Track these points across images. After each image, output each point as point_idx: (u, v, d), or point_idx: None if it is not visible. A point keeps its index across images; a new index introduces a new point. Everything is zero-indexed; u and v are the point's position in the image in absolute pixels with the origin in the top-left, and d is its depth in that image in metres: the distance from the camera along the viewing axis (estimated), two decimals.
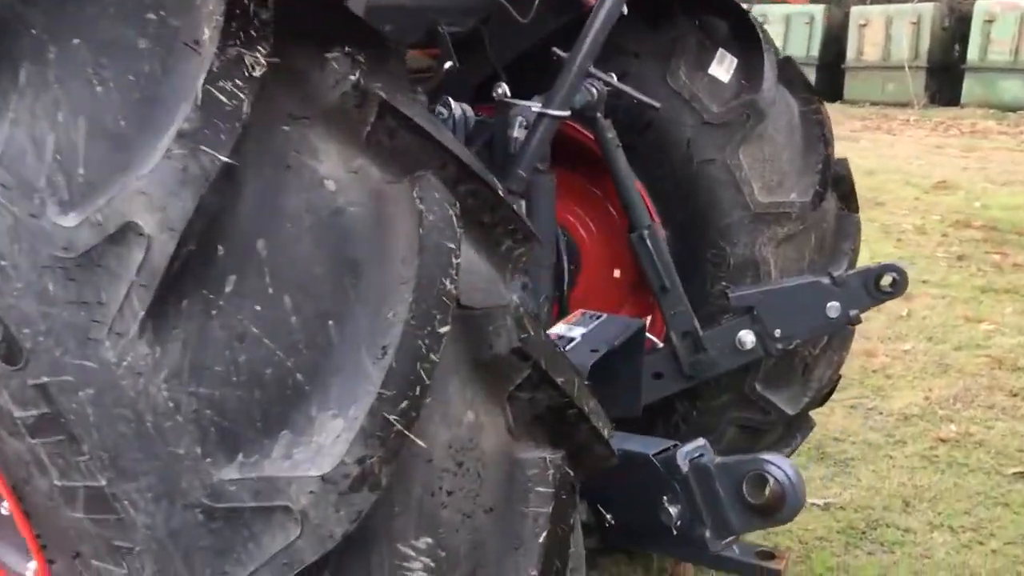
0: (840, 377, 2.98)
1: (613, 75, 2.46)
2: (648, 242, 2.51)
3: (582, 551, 1.28)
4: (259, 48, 1.01)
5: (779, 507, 1.58)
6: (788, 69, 2.86)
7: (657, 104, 2.43)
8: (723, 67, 2.72)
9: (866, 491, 3.72)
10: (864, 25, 16.14)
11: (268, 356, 0.95)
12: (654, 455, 1.74)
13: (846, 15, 16.59)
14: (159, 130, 0.95)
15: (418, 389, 0.95)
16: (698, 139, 2.68)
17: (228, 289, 0.94)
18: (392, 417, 0.93)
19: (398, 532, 0.99)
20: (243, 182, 0.97)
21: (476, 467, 1.07)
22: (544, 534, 1.06)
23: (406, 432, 0.94)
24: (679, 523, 1.71)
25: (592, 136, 2.59)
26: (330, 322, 0.98)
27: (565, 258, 2.85)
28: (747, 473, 1.63)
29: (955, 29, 15.91)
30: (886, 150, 11.82)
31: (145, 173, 0.90)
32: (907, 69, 15.34)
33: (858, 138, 12.38)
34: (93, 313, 0.93)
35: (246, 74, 0.99)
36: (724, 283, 2.66)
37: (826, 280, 2.50)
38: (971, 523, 3.48)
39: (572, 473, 1.13)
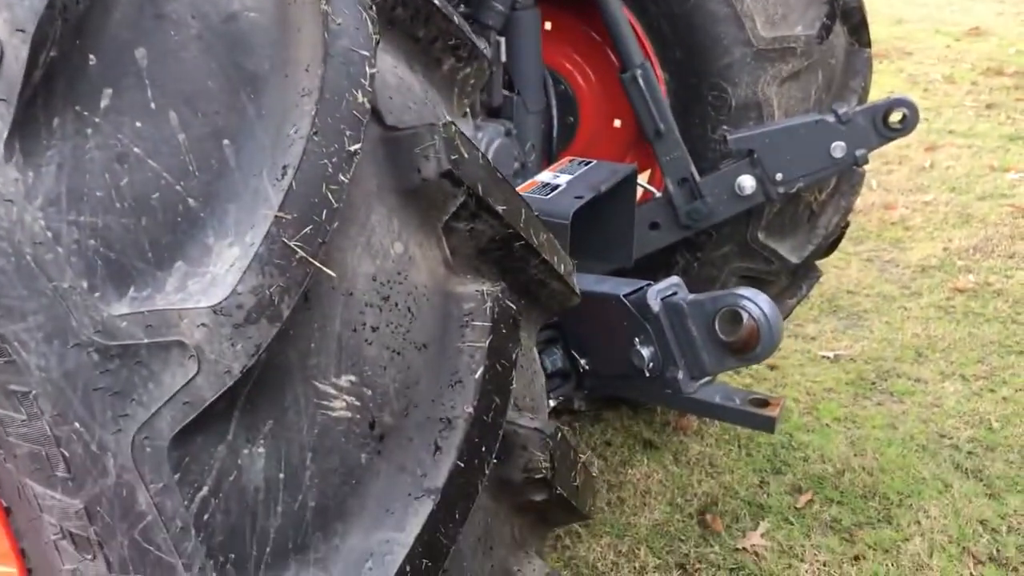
0: (848, 224, 2.86)
1: None
2: (640, 82, 2.36)
3: (539, 390, 1.20)
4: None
5: (753, 344, 1.49)
6: None
7: None
8: None
9: (878, 343, 3.64)
10: None
11: (154, 179, 0.85)
12: (625, 295, 1.65)
13: None
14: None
15: (324, 213, 0.85)
16: None
17: (104, 104, 0.84)
18: (294, 243, 0.84)
19: (315, 369, 0.91)
20: None
21: (406, 301, 0.98)
22: (480, 370, 0.98)
23: (311, 260, 0.84)
24: (651, 365, 1.63)
25: None
26: (225, 141, 0.87)
27: (555, 105, 2.70)
28: (720, 309, 1.54)
29: None
30: None
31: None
32: None
33: None
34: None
35: None
36: (725, 127, 2.52)
37: (831, 118, 2.35)
38: (984, 371, 3.41)
39: (514, 307, 1.04)
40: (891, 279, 4.19)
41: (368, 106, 0.90)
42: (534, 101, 2.36)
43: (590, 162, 2.24)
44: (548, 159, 2.64)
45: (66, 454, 0.86)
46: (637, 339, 1.64)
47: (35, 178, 0.83)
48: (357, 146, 0.88)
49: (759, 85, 2.50)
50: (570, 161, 2.24)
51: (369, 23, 0.93)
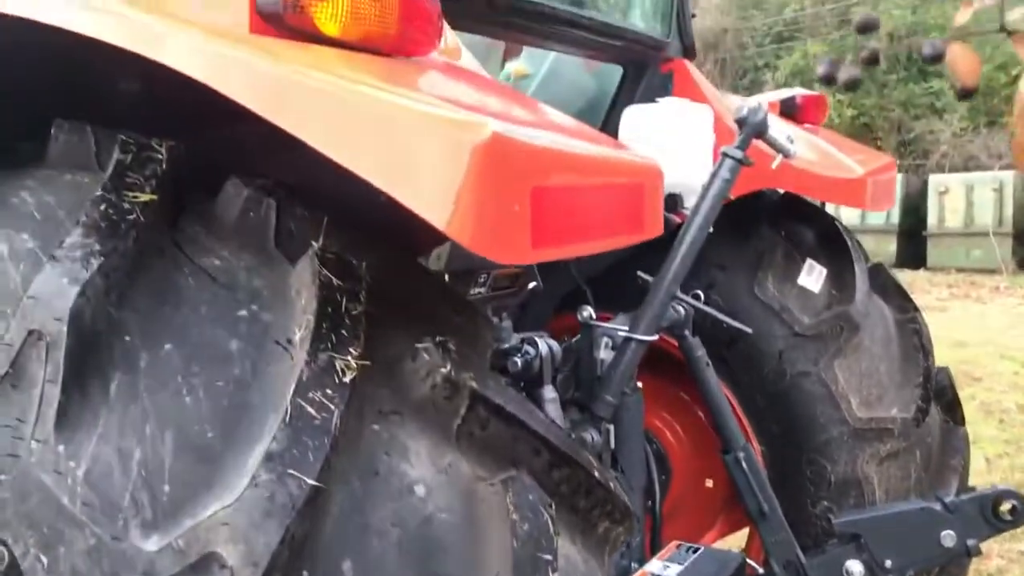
0: None
1: (700, 293, 2.41)
2: (744, 464, 2.39)
3: None
4: (350, 349, 0.99)
5: None
6: (880, 276, 2.79)
7: (748, 329, 2.37)
8: (812, 277, 2.66)
9: None
10: (944, 192, 16.09)
11: None
12: None
13: (924, 183, 16.60)
14: (247, 444, 0.92)
15: None
16: (790, 352, 2.59)
17: None
18: None
19: None
20: (330, 500, 0.92)
21: None
22: None
23: None
24: None
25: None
26: None
27: (655, 469, 2.73)
28: None
29: None
30: (977, 320, 11.45)
31: (231, 503, 0.86)
32: (992, 235, 15.11)
33: (946, 307, 12.08)
34: None
35: (336, 381, 0.96)
36: (825, 502, 2.51)
37: (937, 506, 2.33)
38: None
39: None
40: None
41: None
42: (638, 479, 2.39)
43: (698, 548, 2.22)
44: (652, 521, 2.62)
45: None
46: None
47: None
48: None
49: (858, 464, 2.52)
50: (677, 547, 2.23)
51: (551, 525, 0.98)
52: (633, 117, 2.41)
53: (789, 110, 2.80)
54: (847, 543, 2.39)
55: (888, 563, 2.33)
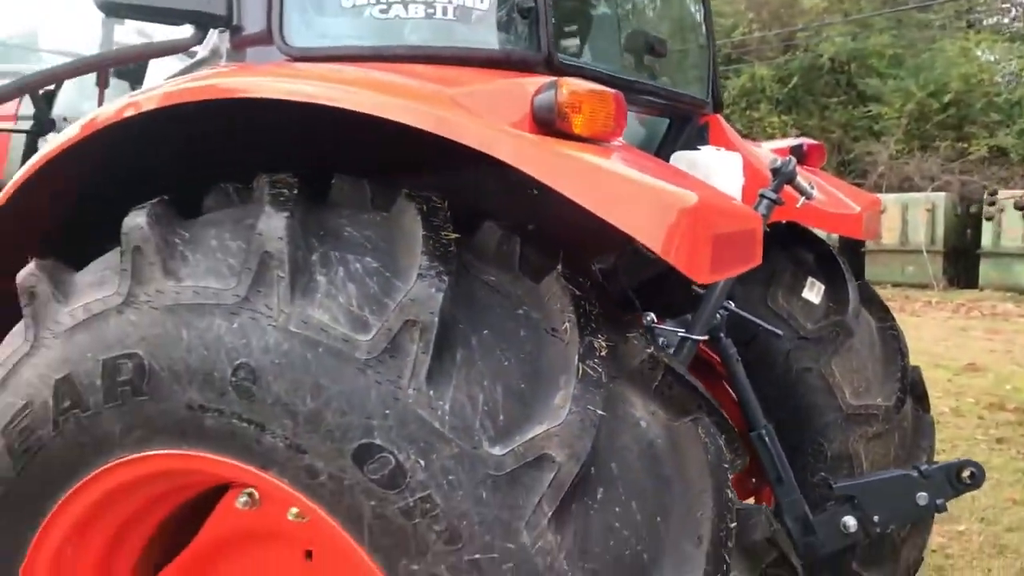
0: (923, 558, 3.39)
1: (731, 302, 3.02)
2: (766, 439, 3.00)
3: None
4: (599, 334, 1.56)
5: None
6: (865, 291, 3.43)
7: (779, 332, 2.99)
8: (813, 292, 3.29)
9: None
10: (881, 211, 17.07)
11: (625, 541, 1.44)
12: None
13: None
14: (547, 392, 1.49)
15: (724, 567, 1.44)
16: (796, 351, 3.21)
17: (599, 497, 1.45)
18: None
19: None
20: (601, 426, 1.49)
21: None
22: None
23: None
24: None
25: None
26: (658, 518, 1.48)
27: None
28: None
29: (966, 217, 16.83)
30: (912, 331, 12.20)
31: (558, 423, 1.43)
32: (924, 253, 16.14)
33: None
34: (514, 513, 1.43)
35: (597, 354, 1.53)
36: (823, 473, 3.13)
37: (914, 473, 2.97)
38: None
39: None
40: None
41: (734, 499, 1.52)
42: None
43: None
44: None
45: None
46: None
47: (562, 540, 1.42)
48: (734, 524, 1.48)
49: (849, 442, 3.14)
50: None
51: (724, 449, 1.57)
52: (680, 160, 3.01)
53: (797, 155, 3.43)
54: (843, 503, 3.01)
55: (876, 518, 2.96)
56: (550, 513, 1.41)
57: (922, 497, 2.94)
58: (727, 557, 1.44)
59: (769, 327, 2.93)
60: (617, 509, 1.45)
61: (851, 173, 21.12)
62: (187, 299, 1.64)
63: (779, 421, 3.24)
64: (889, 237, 16.96)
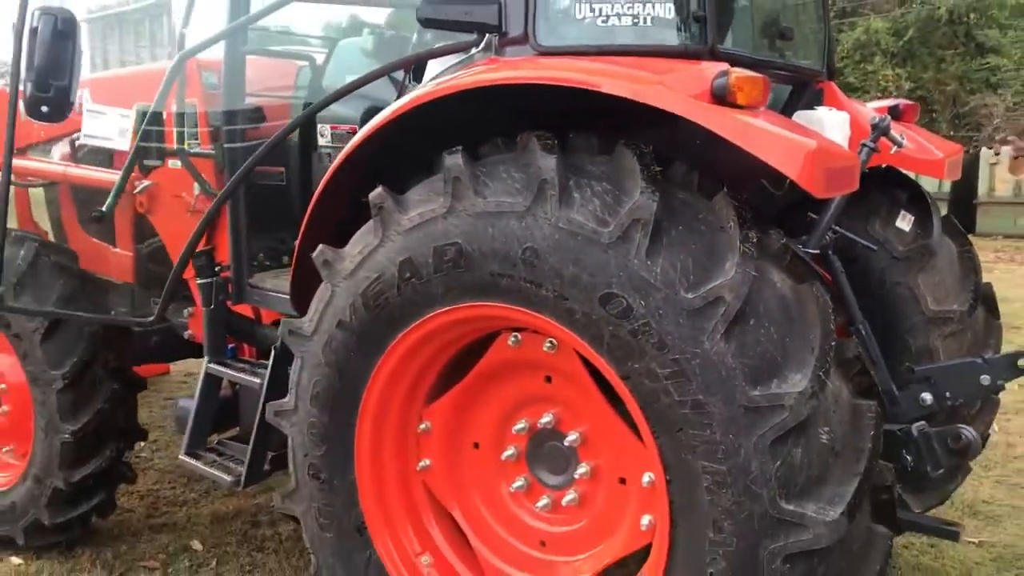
0: (991, 434, 4.24)
1: (839, 228, 3.91)
2: (863, 332, 3.90)
3: None
4: (751, 231, 2.53)
5: None
6: (948, 223, 4.27)
7: (874, 247, 3.87)
8: (904, 222, 4.14)
9: (1011, 536, 4.88)
10: (995, 164, 17.20)
11: (766, 349, 2.41)
12: None
13: (976, 154, 17.72)
14: (720, 262, 2.47)
15: (827, 368, 2.40)
16: (889, 268, 4.08)
17: (751, 324, 2.42)
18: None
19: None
20: (752, 283, 2.45)
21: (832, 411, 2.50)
22: None
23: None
24: None
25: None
26: (787, 338, 2.44)
27: None
28: None
29: None
30: (1020, 279, 12.80)
31: (727, 279, 2.40)
32: None
33: (992, 268, 13.37)
34: (699, 331, 2.42)
35: (751, 242, 2.50)
36: (908, 363, 4.01)
37: (980, 360, 3.82)
38: None
39: None
40: (1018, 496, 5.43)
41: (835, 339, 2.48)
42: None
43: None
44: None
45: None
46: None
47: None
48: (832, 365, 2.44)
49: (930, 339, 4.01)
50: None
51: (829, 302, 2.52)
52: (801, 118, 3.90)
53: (894, 113, 4.26)
54: (922, 382, 3.88)
55: (947, 395, 3.83)
56: (722, 331, 2.39)
57: (985, 379, 3.79)
58: (829, 363, 2.39)
59: (867, 244, 3.82)
60: (761, 331, 2.41)
61: (965, 126, 21.07)
62: (491, 208, 2.68)
63: (874, 325, 4.13)
64: (1002, 189, 17.12)
